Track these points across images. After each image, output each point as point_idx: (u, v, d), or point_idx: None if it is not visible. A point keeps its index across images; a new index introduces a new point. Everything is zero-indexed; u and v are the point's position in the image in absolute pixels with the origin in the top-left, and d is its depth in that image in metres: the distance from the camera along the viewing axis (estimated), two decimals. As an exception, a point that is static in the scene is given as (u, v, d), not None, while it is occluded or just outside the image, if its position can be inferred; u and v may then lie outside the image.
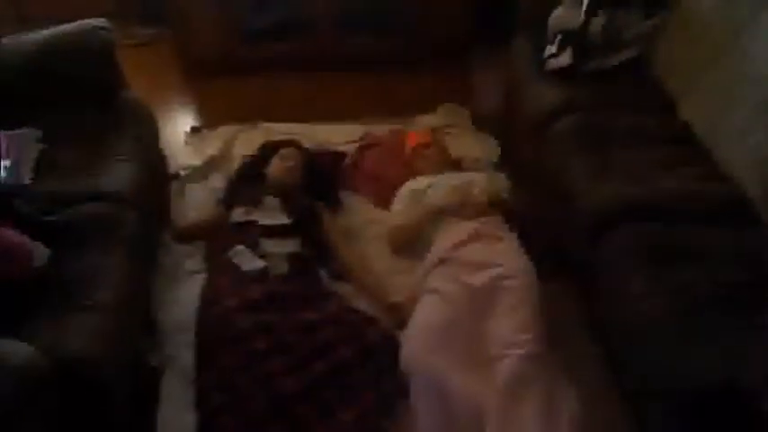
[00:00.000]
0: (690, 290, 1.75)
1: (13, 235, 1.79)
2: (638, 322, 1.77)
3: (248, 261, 2.19)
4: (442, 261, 2.16)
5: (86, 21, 2.47)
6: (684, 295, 1.74)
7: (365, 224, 2.58)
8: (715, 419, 1.54)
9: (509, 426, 1.76)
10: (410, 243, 2.40)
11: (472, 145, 2.97)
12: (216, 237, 2.38)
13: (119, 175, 2.19)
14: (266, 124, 3.13)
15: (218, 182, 2.77)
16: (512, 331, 1.93)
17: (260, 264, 2.18)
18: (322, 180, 2.63)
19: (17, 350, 1.53)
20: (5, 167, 2.07)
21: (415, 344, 1.93)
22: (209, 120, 3.24)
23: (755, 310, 1.67)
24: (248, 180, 2.58)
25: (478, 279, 2.07)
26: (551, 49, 2.65)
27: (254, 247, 2.23)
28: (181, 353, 2.06)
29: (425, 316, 2.02)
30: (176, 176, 2.80)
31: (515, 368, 1.84)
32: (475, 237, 2.20)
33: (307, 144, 2.80)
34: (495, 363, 1.88)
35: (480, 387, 1.83)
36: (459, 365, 1.87)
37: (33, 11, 3.57)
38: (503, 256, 2.13)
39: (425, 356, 1.88)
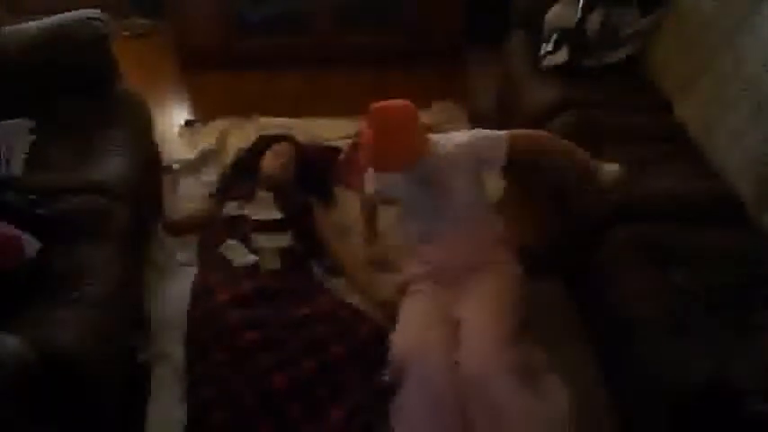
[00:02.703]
0: (681, 290, 1.75)
1: (2, 226, 1.78)
2: (630, 322, 1.78)
3: (240, 255, 2.19)
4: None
5: (81, 11, 2.46)
6: (676, 295, 1.75)
7: (358, 220, 2.57)
8: (703, 419, 1.54)
9: (498, 424, 1.76)
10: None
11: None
12: (208, 230, 2.37)
13: (111, 167, 2.18)
14: (261, 118, 3.12)
15: (211, 175, 2.76)
16: (481, 321, 1.92)
17: (252, 258, 2.18)
18: (315, 175, 2.63)
19: (5, 342, 1.52)
20: (-4, 158, 2.06)
21: (405, 339, 1.93)
22: (204, 113, 3.23)
23: (746, 310, 1.68)
24: (242, 174, 2.58)
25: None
26: (547, 46, 2.65)
27: (246, 241, 2.23)
28: (171, 347, 2.05)
29: (410, 312, 2.02)
30: (169, 169, 2.79)
31: (487, 359, 1.83)
32: None
33: (301, 139, 2.80)
34: (471, 352, 1.87)
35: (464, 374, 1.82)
36: (446, 356, 1.86)
37: (25, 3, 3.55)
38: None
39: (415, 350, 1.87)
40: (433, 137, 2.09)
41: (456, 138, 2.09)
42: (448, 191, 2.03)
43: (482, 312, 1.93)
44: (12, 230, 1.79)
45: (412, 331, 1.93)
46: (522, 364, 1.86)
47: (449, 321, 1.95)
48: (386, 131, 1.96)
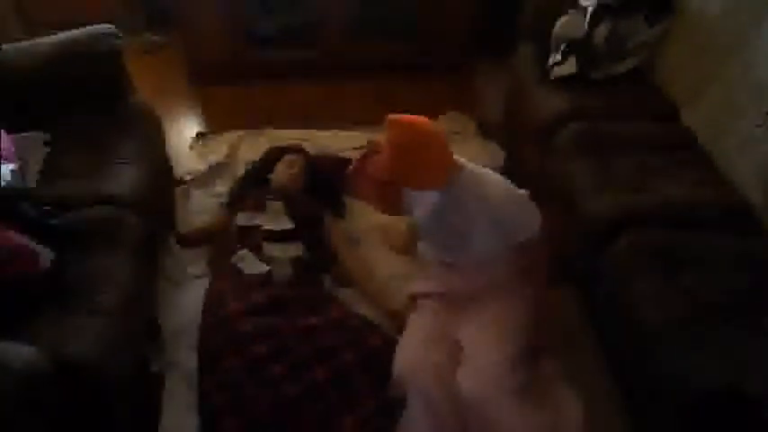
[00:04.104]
0: (692, 296, 1.75)
1: (18, 237, 1.80)
2: (641, 328, 1.77)
3: (252, 265, 2.20)
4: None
5: (94, 26, 2.49)
6: (687, 301, 1.74)
7: (368, 230, 2.59)
8: (716, 425, 1.54)
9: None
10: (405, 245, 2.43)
11: (478, 152, 2.98)
12: (220, 241, 2.39)
13: (124, 179, 2.20)
14: (271, 130, 3.15)
15: (222, 187, 2.78)
16: (484, 343, 1.91)
17: (263, 268, 2.19)
18: (326, 186, 2.64)
19: (19, 352, 1.54)
20: (11, 170, 2.09)
21: (406, 356, 1.92)
22: (215, 125, 3.26)
23: (757, 315, 1.67)
24: (253, 185, 2.60)
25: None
26: (556, 57, 2.66)
27: (257, 251, 2.24)
28: (183, 356, 2.07)
29: (414, 328, 2.02)
30: (181, 181, 2.82)
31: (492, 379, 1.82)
32: None
33: (311, 150, 2.82)
34: (472, 373, 1.86)
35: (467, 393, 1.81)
36: (446, 374, 1.85)
37: (39, 17, 3.59)
38: None
39: (416, 367, 1.86)
40: (465, 164, 1.96)
41: (482, 188, 1.93)
42: (463, 234, 1.98)
43: (486, 335, 1.92)
44: (26, 241, 1.81)
45: (414, 348, 1.93)
46: (530, 381, 1.85)
47: (452, 341, 1.95)
48: (406, 147, 1.83)
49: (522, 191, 1.97)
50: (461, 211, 1.93)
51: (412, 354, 1.91)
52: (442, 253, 2.12)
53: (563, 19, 2.70)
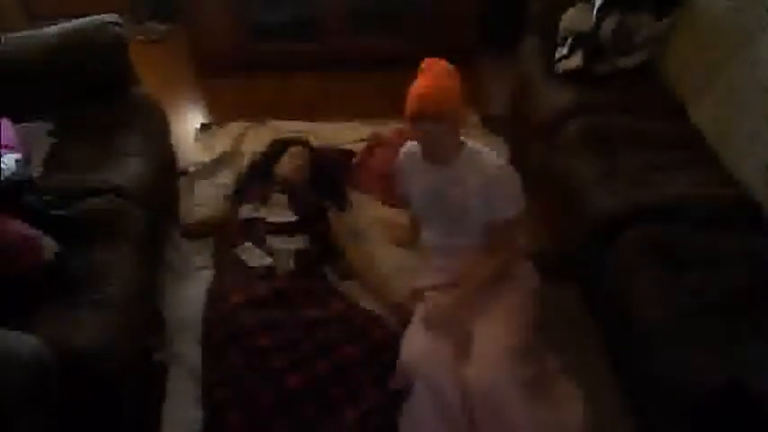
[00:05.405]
0: (696, 293, 1.74)
1: (22, 228, 1.80)
2: (644, 324, 1.77)
3: (255, 258, 2.20)
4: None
5: (99, 16, 2.49)
6: (690, 298, 1.74)
7: (372, 223, 2.59)
8: (719, 422, 1.54)
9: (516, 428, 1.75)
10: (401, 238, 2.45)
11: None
12: (224, 233, 2.39)
13: (128, 170, 2.21)
14: (275, 122, 3.15)
15: (226, 178, 2.78)
16: (494, 334, 1.91)
17: (267, 260, 2.19)
18: (330, 178, 2.64)
19: (24, 342, 1.54)
20: (16, 160, 2.08)
21: (413, 346, 1.92)
22: (219, 117, 3.26)
23: (760, 314, 1.67)
24: (257, 177, 2.59)
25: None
26: (562, 50, 2.65)
27: (261, 243, 2.24)
28: (187, 348, 2.07)
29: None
30: (185, 173, 2.82)
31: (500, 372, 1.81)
32: None
33: (315, 142, 2.81)
34: (483, 363, 1.85)
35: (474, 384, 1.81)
36: (454, 364, 1.85)
37: (44, 8, 3.60)
38: None
39: (423, 357, 1.86)
40: (468, 142, 2.02)
41: (481, 163, 1.98)
42: (464, 208, 2.00)
43: (496, 325, 1.92)
44: (30, 232, 1.81)
45: (421, 336, 1.93)
46: (535, 376, 1.85)
47: (461, 331, 1.94)
48: (438, 75, 2.02)
49: (511, 167, 2.02)
50: (461, 184, 1.98)
51: (419, 342, 1.91)
52: (443, 237, 2.12)
53: (570, 12, 2.69)
